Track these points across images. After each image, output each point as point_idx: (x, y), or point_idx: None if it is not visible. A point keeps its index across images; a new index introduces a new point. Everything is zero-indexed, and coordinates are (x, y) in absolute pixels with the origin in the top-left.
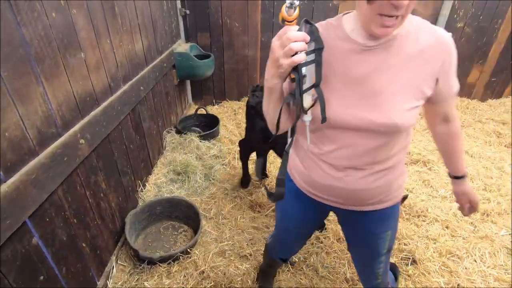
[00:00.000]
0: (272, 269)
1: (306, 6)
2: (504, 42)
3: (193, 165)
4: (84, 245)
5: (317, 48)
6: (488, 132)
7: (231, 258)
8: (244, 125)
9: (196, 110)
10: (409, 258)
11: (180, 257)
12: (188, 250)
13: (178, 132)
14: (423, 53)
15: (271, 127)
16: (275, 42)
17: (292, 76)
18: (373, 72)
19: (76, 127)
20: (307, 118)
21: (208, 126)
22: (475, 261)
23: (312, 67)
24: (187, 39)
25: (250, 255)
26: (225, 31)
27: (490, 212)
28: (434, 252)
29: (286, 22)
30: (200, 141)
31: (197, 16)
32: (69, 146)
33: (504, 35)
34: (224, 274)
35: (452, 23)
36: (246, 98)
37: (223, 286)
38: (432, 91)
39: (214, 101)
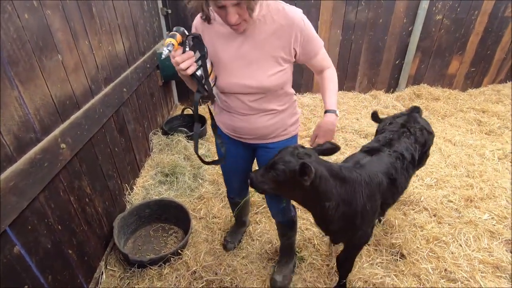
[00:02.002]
0: (238, 212)
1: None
2: (481, 33)
3: (181, 165)
4: (70, 251)
5: (200, 56)
6: (469, 121)
7: (222, 256)
8: None
9: (183, 111)
10: (397, 253)
11: (171, 259)
12: (179, 251)
13: (165, 133)
14: (276, 31)
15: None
16: (172, 60)
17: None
18: (246, 47)
19: (56, 131)
20: (216, 98)
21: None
22: (461, 245)
23: (201, 68)
24: None
25: (242, 251)
26: None
27: (474, 198)
28: (421, 240)
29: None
30: (188, 142)
31: (179, 15)
32: (49, 151)
33: (481, 26)
34: (216, 274)
35: (431, 16)
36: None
37: (215, 285)
38: (291, 58)
39: (200, 100)
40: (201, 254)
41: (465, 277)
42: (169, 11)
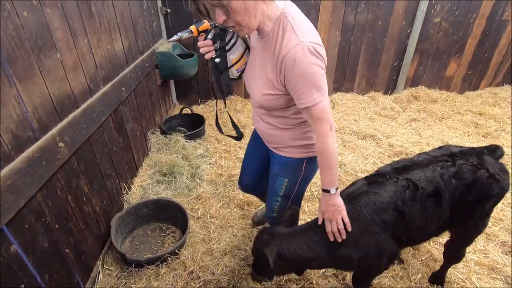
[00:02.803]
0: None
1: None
2: (479, 36)
3: (179, 165)
4: (67, 251)
5: (221, 47)
6: (466, 123)
7: (220, 256)
8: (230, 124)
9: (181, 110)
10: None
11: (169, 258)
12: (177, 251)
13: (163, 132)
14: (275, 57)
15: None
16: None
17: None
18: (256, 55)
19: (54, 130)
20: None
21: (193, 125)
22: None
23: (220, 58)
24: (169, 38)
25: (240, 253)
26: None
27: None
28: None
29: (196, 36)
30: (186, 141)
31: (179, 14)
32: (47, 150)
33: (478, 29)
34: (213, 274)
35: (429, 18)
36: (231, 97)
37: (212, 285)
38: (282, 88)
39: (199, 100)
40: (198, 254)
41: (461, 279)
42: (169, 10)
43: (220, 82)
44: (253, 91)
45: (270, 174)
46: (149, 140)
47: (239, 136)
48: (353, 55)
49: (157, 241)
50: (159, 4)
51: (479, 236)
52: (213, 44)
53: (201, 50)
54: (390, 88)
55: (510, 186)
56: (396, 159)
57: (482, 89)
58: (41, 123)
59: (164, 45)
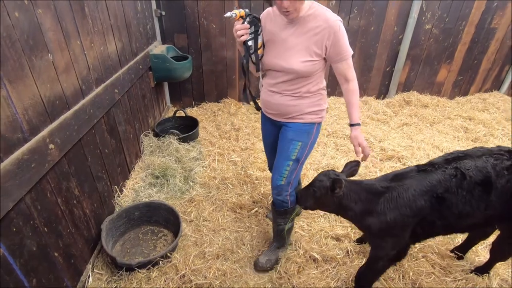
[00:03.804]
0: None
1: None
2: (468, 43)
3: (172, 168)
4: (56, 254)
5: (254, 31)
6: (456, 128)
7: (212, 260)
8: (224, 127)
9: (175, 113)
10: None
11: (160, 262)
12: (168, 254)
13: (156, 135)
14: (316, 29)
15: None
16: (234, 29)
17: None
18: (289, 36)
19: (45, 131)
20: (258, 72)
21: (187, 128)
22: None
23: (252, 40)
24: (164, 41)
25: (232, 256)
26: (202, 32)
27: None
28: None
29: (235, 20)
30: (179, 144)
31: (173, 17)
32: (37, 152)
33: (468, 36)
34: (205, 277)
35: (421, 25)
36: (225, 100)
37: None
38: (323, 53)
39: (193, 103)
40: (190, 258)
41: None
42: (163, 13)
43: (248, 62)
44: (285, 64)
45: (282, 143)
46: (142, 142)
47: (257, 107)
48: None
49: (149, 245)
50: (154, 6)
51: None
52: (249, 28)
53: (239, 33)
54: (382, 93)
55: None
56: (388, 162)
57: (472, 95)
58: (31, 124)
59: (158, 48)
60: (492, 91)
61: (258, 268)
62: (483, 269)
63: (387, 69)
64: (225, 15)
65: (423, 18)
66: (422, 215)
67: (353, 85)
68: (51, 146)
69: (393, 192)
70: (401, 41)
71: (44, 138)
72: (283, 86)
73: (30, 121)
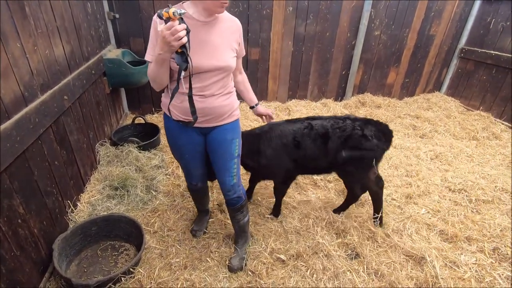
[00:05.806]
0: (200, 201)
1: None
2: (412, 48)
3: (132, 178)
4: None
5: (188, 31)
6: (406, 126)
7: (180, 271)
8: None
9: (134, 120)
10: (353, 251)
11: (122, 279)
12: (131, 269)
13: (114, 144)
14: (230, 28)
15: (159, 88)
16: (166, 32)
17: (179, 50)
18: (210, 36)
19: None
20: (183, 73)
21: (147, 135)
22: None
23: (188, 42)
24: (119, 45)
25: (201, 264)
26: None
27: (412, 195)
28: (373, 235)
29: (170, 19)
30: (139, 152)
31: (128, 20)
32: None
33: (412, 42)
34: None
35: (371, 31)
36: None
37: None
38: (238, 48)
39: (153, 109)
40: (155, 270)
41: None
42: (117, 15)
43: (187, 68)
44: (219, 62)
45: (223, 145)
46: (97, 152)
47: (193, 120)
48: (305, 64)
49: (109, 261)
50: (106, 8)
51: (422, 227)
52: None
53: (181, 33)
54: (340, 95)
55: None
56: None
57: (418, 95)
58: None
59: (113, 52)
60: (434, 92)
61: (234, 271)
62: (338, 210)
63: (343, 73)
64: (179, 12)
65: (372, 25)
66: (289, 152)
67: (244, 74)
68: None
69: (267, 134)
70: (354, 46)
71: None
72: (214, 87)
73: None
